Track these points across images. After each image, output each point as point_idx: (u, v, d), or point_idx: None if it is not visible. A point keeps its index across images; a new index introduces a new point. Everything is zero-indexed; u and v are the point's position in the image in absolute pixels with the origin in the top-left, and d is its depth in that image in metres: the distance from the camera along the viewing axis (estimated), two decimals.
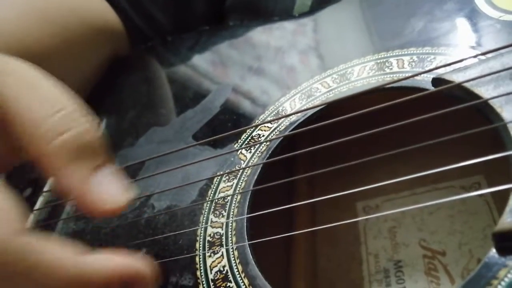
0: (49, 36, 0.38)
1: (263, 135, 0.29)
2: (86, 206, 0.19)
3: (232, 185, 0.27)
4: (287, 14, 0.38)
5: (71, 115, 0.19)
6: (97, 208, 0.19)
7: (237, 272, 0.23)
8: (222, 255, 0.24)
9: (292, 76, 0.32)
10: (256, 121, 0.30)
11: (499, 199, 0.28)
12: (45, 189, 0.34)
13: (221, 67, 0.38)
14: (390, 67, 0.27)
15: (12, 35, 0.36)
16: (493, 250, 0.18)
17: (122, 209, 0.19)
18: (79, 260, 0.18)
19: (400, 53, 0.28)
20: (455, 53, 0.25)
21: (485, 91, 0.21)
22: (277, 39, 0.36)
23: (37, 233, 0.17)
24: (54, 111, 0.19)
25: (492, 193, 0.28)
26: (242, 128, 0.30)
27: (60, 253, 0.17)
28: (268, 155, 0.28)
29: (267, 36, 0.37)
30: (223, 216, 0.26)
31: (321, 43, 0.33)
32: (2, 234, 0.16)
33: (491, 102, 0.21)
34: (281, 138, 0.28)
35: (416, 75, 0.24)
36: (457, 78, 0.22)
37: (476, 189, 0.29)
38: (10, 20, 0.36)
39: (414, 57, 0.27)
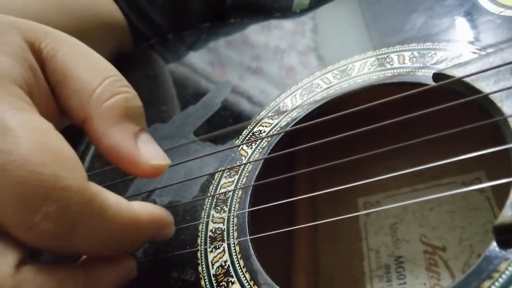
0: (66, 26, 0.39)
1: (264, 131, 0.29)
2: (131, 163, 0.21)
3: (233, 181, 0.28)
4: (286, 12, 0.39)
5: (117, 82, 0.22)
6: (143, 164, 0.21)
7: (239, 267, 0.23)
8: (224, 250, 0.24)
9: (293, 72, 0.33)
10: (257, 117, 0.30)
11: (500, 195, 0.28)
12: None
13: (221, 64, 0.38)
14: (391, 63, 0.27)
15: (36, 20, 0.36)
16: (494, 244, 0.18)
17: (164, 170, 0.22)
18: (131, 207, 0.20)
19: (401, 48, 0.28)
20: (456, 48, 0.25)
21: (485, 85, 0.21)
22: (278, 36, 0.36)
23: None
24: (103, 77, 0.21)
25: (493, 189, 0.28)
26: (243, 124, 0.30)
27: (118, 199, 0.20)
28: (269, 151, 0.28)
29: (268, 33, 0.37)
30: (224, 211, 0.26)
31: (322, 40, 0.34)
32: (80, 183, 0.18)
33: (491, 96, 0.21)
34: (282, 134, 0.28)
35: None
36: (458, 73, 0.22)
37: (477, 185, 0.29)
38: (32, 7, 0.37)
39: (415, 53, 0.27)
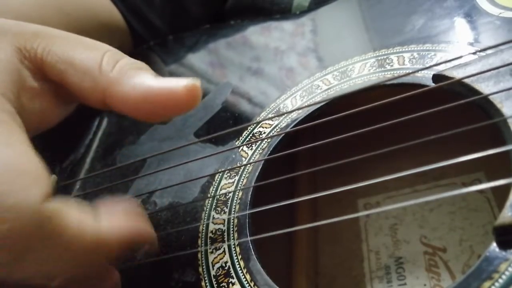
0: (65, 27, 0.39)
1: (264, 132, 0.29)
2: (168, 97, 0.21)
3: (233, 182, 0.28)
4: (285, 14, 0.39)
5: (116, 52, 0.22)
6: (179, 91, 0.21)
7: (239, 268, 0.23)
8: (224, 251, 0.24)
9: (293, 73, 0.33)
10: (257, 118, 0.30)
11: (500, 196, 0.28)
12: None
13: (221, 65, 0.38)
14: (391, 64, 0.27)
15: (34, 22, 0.37)
16: (494, 244, 0.18)
17: (198, 87, 0.21)
18: (97, 226, 0.19)
19: (400, 50, 0.28)
20: (456, 49, 0.25)
21: (485, 87, 0.21)
22: (278, 37, 0.36)
23: (59, 197, 0.18)
24: (103, 52, 0.22)
25: (493, 190, 0.28)
26: (243, 125, 0.30)
27: (81, 219, 0.18)
28: (269, 152, 0.28)
29: (268, 35, 0.37)
30: (224, 212, 0.26)
31: (322, 41, 0.34)
32: (32, 201, 0.17)
33: (491, 98, 0.21)
34: (282, 135, 0.28)
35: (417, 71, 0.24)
36: (458, 74, 0.22)
37: (477, 185, 0.29)
38: (30, 10, 0.37)
39: (415, 54, 0.27)
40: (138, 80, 0.21)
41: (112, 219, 0.20)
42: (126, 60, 0.22)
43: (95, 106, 0.22)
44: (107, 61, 0.22)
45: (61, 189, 0.34)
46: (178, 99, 0.21)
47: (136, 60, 0.22)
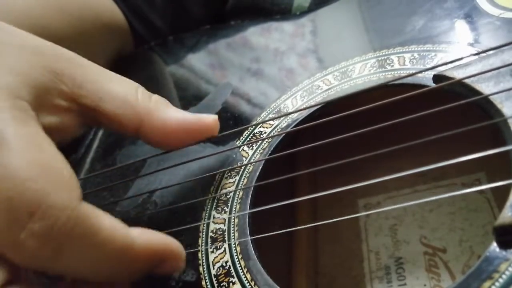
0: (67, 27, 0.40)
1: (265, 132, 0.29)
2: (201, 125, 0.25)
3: (234, 182, 0.28)
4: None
5: (145, 89, 0.25)
6: (210, 120, 0.25)
7: (240, 267, 0.23)
8: (225, 250, 0.24)
9: (293, 74, 0.33)
10: (258, 119, 0.30)
11: (500, 197, 0.28)
12: None
13: (221, 66, 0.38)
14: (391, 64, 0.27)
15: (36, 22, 0.37)
16: (494, 244, 0.18)
17: (218, 125, 0.26)
18: (128, 233, 0.19)
19: (401, 50, 0.28)
20: (456, 50, 0.25)
21: (485, 87, 0.21)
22: (278, 38, 0.36)
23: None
24: (135, 86, 0.25)
25: (493, 190, 0.28)
26: (244, 127, 0.30)
27: (113, 223, 0.19)
28: (270, 152, 0.28)
29: (268, 36, 0.37)
30: (225, 212, 0.26)
31: (322, 41, 0.34)
32: (69, 201, 0.18)
33: (491, 98, 0.21)
34: (282, 135, 0.28)
35: (417, 73, 0.25)
36: (458, 74, 0.22)
37: (477, 186, 0.29)
38: (33, 10, 0.37)
39: (415, 54, 0.27)
40: (171, 111, 0.24)
41: (142, 231, 0.20)
42: (157, 96, 0.25)
43: (126, 133, 0.24)
44: (142, 94, 0.24)
45: None
46: (207, 126, 0.25)
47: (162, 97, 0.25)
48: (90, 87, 0.23)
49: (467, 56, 0.23)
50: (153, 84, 0.41)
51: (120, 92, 0.24)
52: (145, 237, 0.20)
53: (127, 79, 0.25)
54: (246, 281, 0.23)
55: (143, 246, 0.20)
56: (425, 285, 0.27)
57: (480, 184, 0.29)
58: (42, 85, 0.21)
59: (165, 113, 0.24)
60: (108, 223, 0.19)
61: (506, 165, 0.20)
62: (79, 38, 0.40)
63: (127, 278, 0.21)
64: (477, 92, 0.21)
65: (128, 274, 0.20)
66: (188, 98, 0.36)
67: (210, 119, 0.25)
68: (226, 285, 0.23)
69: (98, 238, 0.18)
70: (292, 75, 0.32)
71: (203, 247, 0.25)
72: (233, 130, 0.28)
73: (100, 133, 0.38)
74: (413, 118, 0.21)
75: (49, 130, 0.21)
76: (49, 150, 0.19)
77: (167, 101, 0.25)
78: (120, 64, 0.45)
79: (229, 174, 0.28)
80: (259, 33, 0.38)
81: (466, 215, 0.28)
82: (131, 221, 0.29)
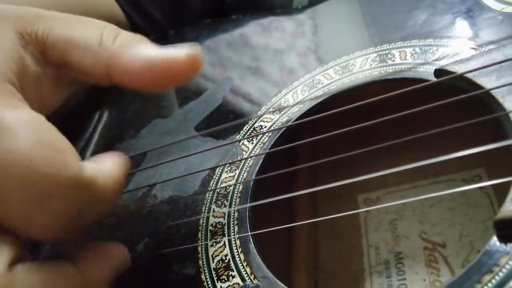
0: None
1: (265, 126, 0.29)
2: (172, 64, 0.21)
3: (234, 176, 0.28)
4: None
5: (115, 27, 0.23)
6: (181, 57, 0.21)
7: (239, 261, 0.23)
8: (224, 244, 0.24)
9: (294, 68, 0.33)
10: (258, 113, 0.30)
11: (500, 192, 0.28)
12: None
13: (222, 65, 0.38)
14: (393, 59, 0.27)
15: None
16: (494, 238, 0.18)
17: (199, 54, 0.21)
18: (104, 168, 0.21)
19: (402, 45, 0.28)
20: (458, 44, 0.25)
21: (487, 81, 0.21)
22: (280, 32, 0.36)
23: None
24: (102, 28, 0.23)
25: (493, 186, 0.28)
26: (244, 119, 0.30)
27: (94, 167, 0.20)
28: (270, 146, 0.28)
29: (270, 31, 0.37)
30: (225, 206, 0.26)
31: (323, 36, 0.34)
32: (76, 167, 0.19)
33: (493, 92, 0.21)
34: (283, 129, 0.28)
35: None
36: (459, 69, 0.22)
37: (477, 182, 0.29)
38: (31, 2, 0.37)
39: (417, 49, 0.27)
40: (140, 50, 0.22)
41: (93, 162, 0.21)
42: (126, 33, 0.23)
43: (99, 83, 0.23)
44: (106, 36, 0.22)
45: None
46: (180, 67, 0.21)
47: (136, 34, 0.23)
48: (54, 40, 0.22)
49: (469, 50, 0.23)
50: None
51: (82, 38, 0.22)
52: (105, 162, 0.22)
53: (95, 21, 0.23)
54: (246, 275, 0.23)
55: (114, 176, 0.21)
56: (424, 280, 0.27)
57: (480, 179, 0.29)
58: (18, 56, 0.21)
59: (130, 54, 0.22)
60: (101, 176, 0.20)
61: (507, 160, 0.20)
62: None
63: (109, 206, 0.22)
64: (479, 86, 0.21)
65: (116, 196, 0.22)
66: (187, 93, 0.36)
67: (182, 57, 0.21)
68: (226, 279, 0.23)
69: (106, 194, 0.20)
70: (294, 69, 0.32)
71: (202, 241, 0.25)
72: (233, 123, 0.28)
73: (101, 126, 0.38)
74: (414, 112, 0.21)
75: (31, 104, 0.21)
76: (47, 126, 0.20)
77: (139, 38, 0.23)
78: None
79: (229, 168, 0.28)
80: (260, 28, 0.38)
81: (466, 210, 0.28)
82: (131, 215, 0.29)
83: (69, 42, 0.22)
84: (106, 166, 0.21)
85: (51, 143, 0.19)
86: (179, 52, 0.21)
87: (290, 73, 0.32)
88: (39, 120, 0.19)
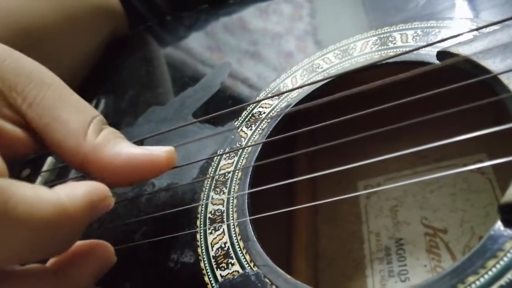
0: (52, 13, 0.38)
1: (264, 112, 0.29)
2: (151, 163, 0.22)
3: (232, 163, 0.27)
4: None
5: (101, 120, 0.24)
6: (160, 156, 0.22)
7: (239, 249, 0.23)
8: (223, 231, 0.24)
9: (293, 53, 0.32)
10: (257, 98, 0.30)
11: (502, 177, 0.28)
12: (44, 169, 0.33)
13: (219, 49, 0.38)
14: (394, 42, 0.27)
15: (16, 10, 0.36)
16: (499, 223, 0.17)
17: (174, 153, 0.23)
18: (55, 194, 0.18)
19: (403, 27, 0.27)
20: (461, 26, 0.25)
21: (492, 63, 0.21)
22: (277, 16, 0.35)
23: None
24: (91, 118, 0.23)
25: (494, 171, 0.28)
26: (242, 105, 0.29)
27: (37, 191, 0.17)
28: (269, 132, 0.27)
29: (266, 15, 0.36)
30: (224, 193, 0.26)
31: (323, 19, 0.33)
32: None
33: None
34: (282, 116, 0.28)
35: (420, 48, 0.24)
36: (463, 51, 0.22)
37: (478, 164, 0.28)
38: None
39: (418, 31, 0.26)
40: (120, 147, 0.22)
41: (67, 187, 0.19)
42: (110, 129, 0.23)
43: (69, 164, 0.23)
44: (93, 129, 0.22)
45: (58, 171, 0.34)
46: (159, 164, 0.22)
47: (116, 130, 0.24)
48: (40, 111, 0.22)
49: (472, 31, 0.22)
50: (147, 66, 0.40)
51: (69, 123, 0.22)
52: (73, 191, 0.19)
53: (87, 107, 0.23)
54: (245, 262, 0.22)
55: (77, 202, 0.19)
56: (425, 265, 0.27)
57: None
58: None
59: (112, 150, 0.22)
60: (30, 192, 0.17)
61: (508, 145, 0.20)
62: (67, 24, 0.40)
63: (73, 241, 0.20)
64: (483, 69, 0.21)
65: (69, 240, 0.19)
66: (184, 79, 0.36)
67: (162, 154, 0.23)
68: (225, 267, 0.23)
69: (20, 210, 0.16)
70: (292, 53, 0.32)
71: (201, 228, 0.25)
72: (231, 109, 0.28)
73: None
74: (416, 98, 0.21)
75: None
76: None
77: (120, 135, 0.23)
78: (115, 47, 0.44)
79: (227, 155, 0.28)
80: (258, 12, 0.37)
81: (468, 196, 0.28)
82: (128, 203, 0.29)
83: (56, 119, 0.22)
84: (55, 192, 0.18)
85: None
86: (158, 150, 0.23)
87: (289, 57, 0.32)
88: None
